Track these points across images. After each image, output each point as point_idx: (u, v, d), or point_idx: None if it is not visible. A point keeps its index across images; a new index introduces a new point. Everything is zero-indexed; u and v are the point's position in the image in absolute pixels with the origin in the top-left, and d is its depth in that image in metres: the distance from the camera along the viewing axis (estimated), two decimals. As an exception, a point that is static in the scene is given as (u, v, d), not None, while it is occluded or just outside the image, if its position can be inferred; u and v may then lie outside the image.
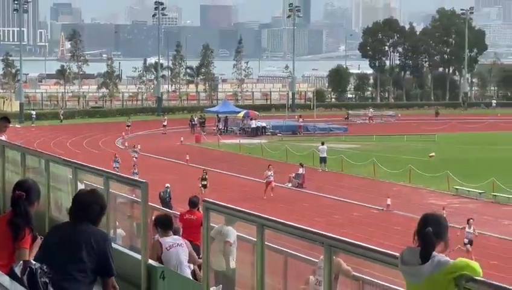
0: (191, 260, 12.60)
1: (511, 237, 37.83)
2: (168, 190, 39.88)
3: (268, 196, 46.61)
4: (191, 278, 11.94)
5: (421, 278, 6.30)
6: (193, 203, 17.57)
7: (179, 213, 19.26)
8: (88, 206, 7.05)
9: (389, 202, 44.00)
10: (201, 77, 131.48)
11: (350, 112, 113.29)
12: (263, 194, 46.68)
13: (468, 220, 33.40)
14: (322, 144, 62.82)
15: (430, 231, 6.38)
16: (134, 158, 56.25)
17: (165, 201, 37.87)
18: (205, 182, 46.01)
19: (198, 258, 11.89)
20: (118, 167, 49.12)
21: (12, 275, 5.58)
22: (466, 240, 32.20)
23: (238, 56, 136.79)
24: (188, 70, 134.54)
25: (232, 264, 12.71)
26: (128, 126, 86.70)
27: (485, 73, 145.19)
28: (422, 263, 6.34)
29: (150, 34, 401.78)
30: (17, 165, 14.13)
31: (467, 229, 32.59)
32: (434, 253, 6.33)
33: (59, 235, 7.15)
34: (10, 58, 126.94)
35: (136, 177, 42.50)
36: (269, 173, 49.40)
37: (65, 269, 6.67)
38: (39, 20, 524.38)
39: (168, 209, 24.28)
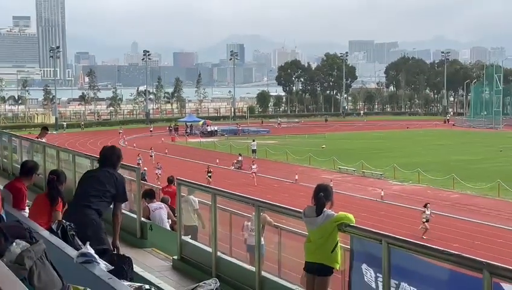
0: (169, 218, 12.54)
1: (373, 197, 38.32)
2: (145, 172, 38.01)
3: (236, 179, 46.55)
4: (170, 229, 11.90)
5: (316, 226, 6.35)
6: (170, 181, 17.59)
7: (161, 187, 19.19)
8: (109, 156, 7.31)
9: (296, 177, 44.22)
10: (175, 99, 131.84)
11: (271, 120, 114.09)
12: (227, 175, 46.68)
13: (425, 204, 29.27)
14: (253, 140, 62.98)
15: (322, 195, 6.44)
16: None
17: (144, 179, 36.85)
18: (210, 174, 42.71)
19: (174, 216, 11.82)
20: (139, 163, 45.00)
21: (50, 231, 5.53)
22: (424, 219, 28.44)
23: (198, 85, 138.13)
24: (166, 95, 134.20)
25: (196, 221, 12.67)
26: (120, 132, 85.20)
27: (356, 94, 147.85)
28: (317, 216, 6.40)
29: (141, 71, 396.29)
30: (54, 158, 13.99)
31: (426, 212, 28.59)
32: (324, 209, 6.39)
33: (90, 175, 7.46)
34: (48, 88, 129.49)
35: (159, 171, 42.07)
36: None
37: (93, 192, 6.94)
38: (67, 63, 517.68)
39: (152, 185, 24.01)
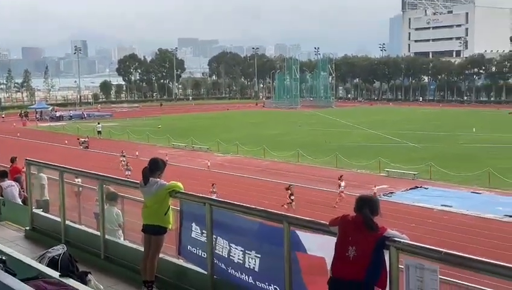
0: (21, 194, 11.67)
1: (201, 167, 38.60)
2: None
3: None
4: (22, 204, 11.09)
5: (151, 194, 6.25)
6: (12, 160, 15.81)
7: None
8: None
9: (137, 153, 43.13)
10: (24, 88, 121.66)
11: (113, 105, 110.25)
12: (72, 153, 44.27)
13: (340, 176, 27.71)
14: (98, 123, 60.53)
15: (147, 168, 6.29)
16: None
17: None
18: (124, 160, 37.69)
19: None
20: None
21: None
22: (339, 191, 26.76)
23: (46, 76, 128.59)
24: (16, 85, 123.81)
25: (47, 196, 11.92)
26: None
27: (185, 82, 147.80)
28: (145, 185, 6.26)
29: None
30: None
31: (342, 185, 26.88)
32: (157, 179, 6.29)
33: None
34: None
35: None
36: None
37: None
38: None
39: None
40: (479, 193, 28.88)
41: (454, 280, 5.17)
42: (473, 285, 5.19)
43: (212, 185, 26.21)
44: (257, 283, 5.26)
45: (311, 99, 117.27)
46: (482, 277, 3.58)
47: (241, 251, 5.48)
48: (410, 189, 29.91)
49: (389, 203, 26.28)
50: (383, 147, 45.77)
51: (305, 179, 33.14)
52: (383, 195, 28.24)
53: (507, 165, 35.82)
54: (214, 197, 22.67)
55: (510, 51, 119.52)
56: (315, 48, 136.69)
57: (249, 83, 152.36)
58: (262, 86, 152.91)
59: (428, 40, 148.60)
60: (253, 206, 5.47)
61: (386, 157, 37.90)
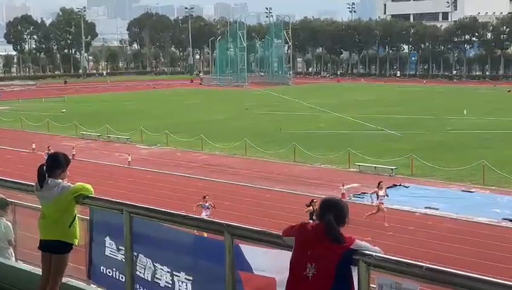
0: None
1: (119, 163, 38.22)
2: None
3: None
4: None
5: (50, 199, 6.13)
6: None
7: None
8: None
9: (33, 146, 42.31)
10: None
11: (0, 82, 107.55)
12: None
13: (379, 183, 26.37)
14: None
15: (44, 166, 6.20)
16: None
17: None
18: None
19: None
20: None
21: None
22: (376, 202, 25.50)
23: None
24: None
25: None
26: None
27: (97, 52, 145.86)
28: (41, 187, 6.14)
29: None
30: None
31: (379, 193, 25.56)
32: (58, 181, 6.17)
33: None
34: None
35: None
36: None
37: None
38: None
39: None
40: (472, 192, 29.79)
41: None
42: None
43: (204, 197, 23.31)
44: (191, 312, 5.27)
45: (262, 74, 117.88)
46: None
47: (168, 271, 5.47)
48: (387, 188, 30.50)
49: (361, 206, 26.76)
50: (354, 135, 46.53)
51: (261, 179, 33.27)
52: (354, 196, 28.73)
53: (505, 156, 37.10)
54: (205, 215, 21.00)
55: (509, 12, 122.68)
56: (266, 9, 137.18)
57: (181, 53, 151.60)
58: (198, 57, 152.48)
59: (409, 0, 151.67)
60: (186, 214, 5.46)
61: (357, 148, 38.54)
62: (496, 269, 18.41)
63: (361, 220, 23.05)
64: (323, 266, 4.06)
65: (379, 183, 26.42)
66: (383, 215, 24.78)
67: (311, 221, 19.27)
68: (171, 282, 5.47)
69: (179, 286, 5.40)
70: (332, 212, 4.21)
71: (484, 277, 3.68)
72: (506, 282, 3.60)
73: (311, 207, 21.94)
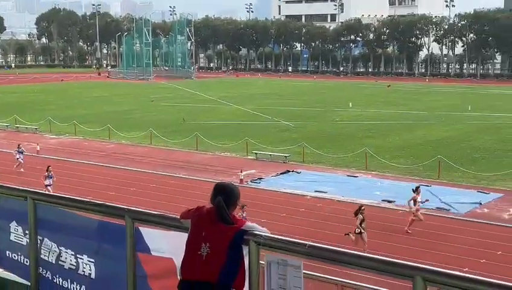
0: None
1: (29, 152, 36.91)
2: None
3: None
4: None
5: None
6: None
7: None
8: None
9: None
10: None
11: None
12: None
13: (417, 188, 22.64)
14: None
15: None
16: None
17: None
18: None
19: None
20: None
21: None
22: (414, 208, 22.05)
23: None
24: None
25: None
26: None
27: (6, 46, 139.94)
28: None
29: None
30: None
31: (419, 199, 22.12)
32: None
33: None
34: None
35: None
36: None
37: None
38: None
39: None
40: (356, 177, 30.76)
41: (323, 275, 5.48)
42: (342, 280, 5.54)
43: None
44: (94, 293, 5.19)
45: (167, 68, 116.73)
46: (355, 271, 3.82)
47: (72, 254, 5.36)
48: (281, 174, 31.03)
49: (258, 190, 27.11)
50: (251, 125, 46.98)
51: (165, 166, 33.00)
52: (251, 181, 29.05)
53: (384, 144, 38.57)
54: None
55: (389, 16, 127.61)
56: (170, 7, 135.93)
57: (89, 48, 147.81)
58: (106, 51, 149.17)
59: (301, 1, 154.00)
60: (88, 200, 5.35)
61: (254, 137, 38.97)
62: (375, 245, 19.13)
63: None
64: (216, 246, 4.10)
65: (417, 189, 22.70)
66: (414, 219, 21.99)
67: (361, 229, 18.70)
68: (75, 264, 5.36)
69: (83, 267, 5.30)
70: (222, 195, 4.24)
71: (359, 253, 3.82)
72: (374, 256, 3.74)
73: (360, 215, 19.50)
